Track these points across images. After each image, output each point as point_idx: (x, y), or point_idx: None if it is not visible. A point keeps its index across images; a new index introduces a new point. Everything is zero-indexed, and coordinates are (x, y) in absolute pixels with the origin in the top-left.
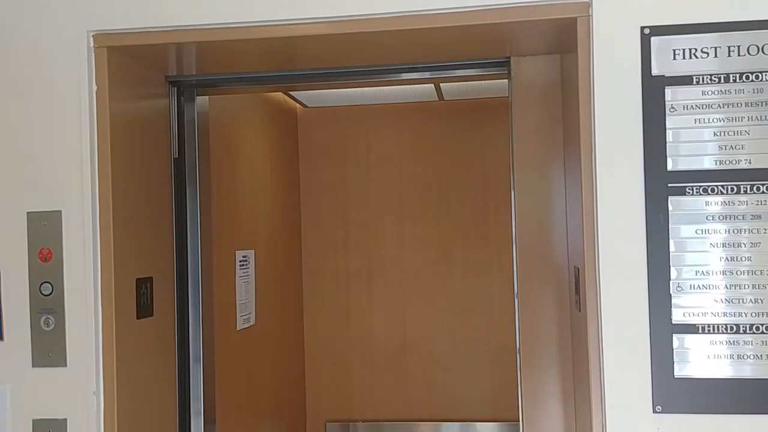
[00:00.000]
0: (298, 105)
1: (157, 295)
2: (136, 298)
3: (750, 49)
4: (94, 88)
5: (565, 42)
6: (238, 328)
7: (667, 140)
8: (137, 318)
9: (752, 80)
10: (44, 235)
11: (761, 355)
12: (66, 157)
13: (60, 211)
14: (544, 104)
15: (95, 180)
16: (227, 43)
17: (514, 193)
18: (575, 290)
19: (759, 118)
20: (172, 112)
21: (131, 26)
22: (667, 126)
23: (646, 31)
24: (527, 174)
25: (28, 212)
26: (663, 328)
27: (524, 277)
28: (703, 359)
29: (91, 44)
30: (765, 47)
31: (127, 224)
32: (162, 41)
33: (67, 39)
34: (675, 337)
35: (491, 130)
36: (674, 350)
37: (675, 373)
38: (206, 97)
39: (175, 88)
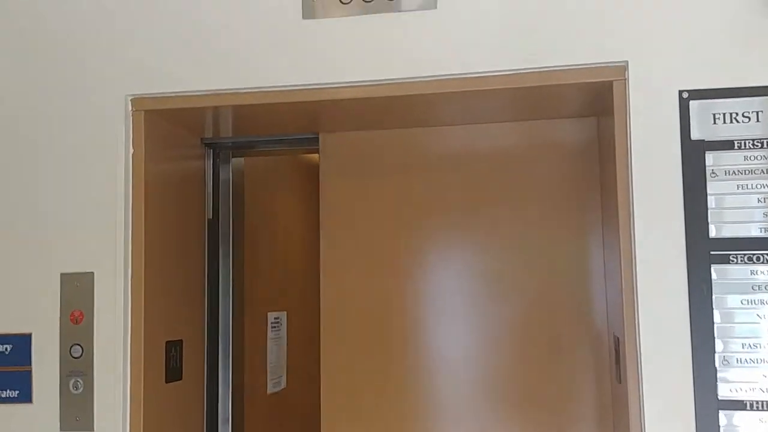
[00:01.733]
0: None
1: (187, 358)
2: (166, 361)
3: None
4: (131, 150)
5: (602, 105)
6: (268, 392)
7: (709, 206)
8: (166, 381)
9: None
10: (76, 297)
11: None
12: (101, 219)
13: (93, 273)
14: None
15: (128, 242)
16: (263, 106)
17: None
18: (615, 360)
19: None
20: (207, 173)
21: (168, 90)
22: (709, 192)
23: (685, 95)
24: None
25: (61, 273)
26: (709, 404)
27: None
28: None
29: (129, 108)
30: None
31: (159, 286)
32: (198, 105)
33: (105, 102)
34: (722, 414)
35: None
36: (721, 428)
37: None
38: (241, 158)
39: (211, 150)
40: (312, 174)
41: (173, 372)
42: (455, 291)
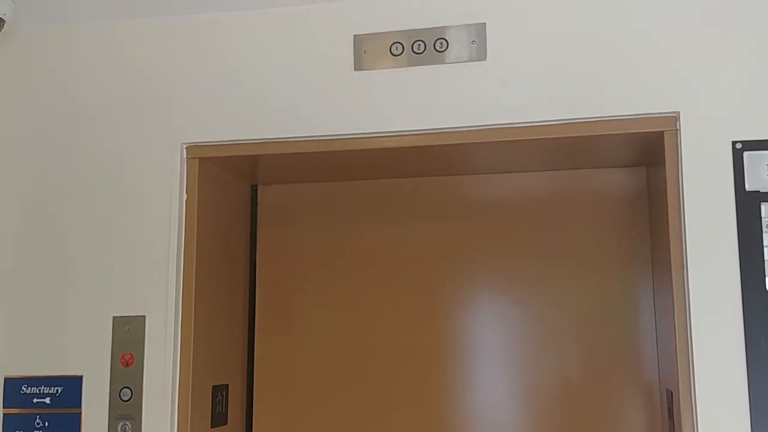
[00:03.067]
0: None
1: (232, 403)
2: (212, 405)
3: None
4: (185, 197)
5: (651, 154)
6: None
7: (765, 259)
8: (211, 426)
9: None
10: (128, 340)
11: None
12: (153, 263)
13: (144, 316)
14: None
15: (179, 286)
16: (312, 155)
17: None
18: (668, 415)
19: None
20: (254, 218)
21: (222, 139)
22: (765, 243)
23: (738, 145)
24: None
25: (114, 316)
26: None
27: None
28: None
29: (184, 155)
30: None
31: (207, 330)
32: (250, 153)
33: (161, 150)
34: None
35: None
36: None
37: None
38: None
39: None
40: None
41: (219, 417)
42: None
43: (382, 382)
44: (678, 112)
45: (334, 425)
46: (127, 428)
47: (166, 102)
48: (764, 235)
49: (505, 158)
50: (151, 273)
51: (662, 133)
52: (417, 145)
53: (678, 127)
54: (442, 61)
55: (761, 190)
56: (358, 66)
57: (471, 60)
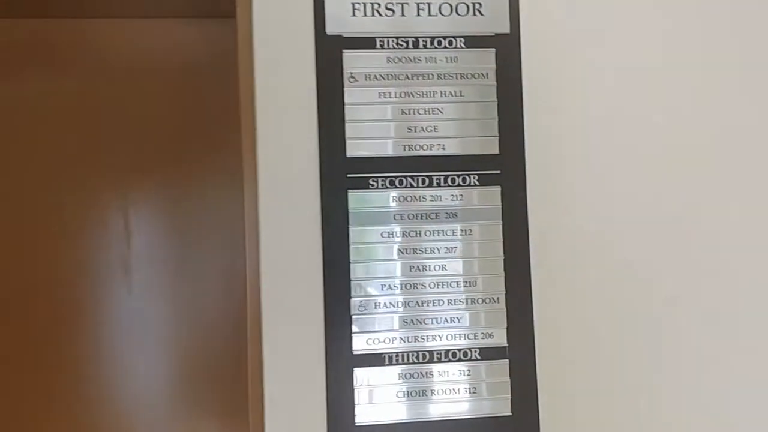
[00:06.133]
0: None
1: None
2: None
3: (442, 8)
4: None
5: (219, 3)
6: None
7: (346, 119)
8: None
9: (445, 47)
10: None
11: (450, 390)
12: None
13: None
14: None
15: None
16: None
17: None
18: None
19: (454, 93)
20: None
21: None
22: (346, 101)
23: None
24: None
25: None
26: (343, 360)
27: None
28: (391, 399)
29: None
30: (459, 6)
31: None
32: None
33: None
34: (357, 371)
35: None
36: (356, 389)
37: (356, 421)
38: None
39: None
40: None
41: None
42: None
43: None
44: None
45: None
46: None
47: None
48: (346, 90)
49: None
50: None
51: None
52: None
53: None
54: None
55: (344, 35)
56: None
57: None
